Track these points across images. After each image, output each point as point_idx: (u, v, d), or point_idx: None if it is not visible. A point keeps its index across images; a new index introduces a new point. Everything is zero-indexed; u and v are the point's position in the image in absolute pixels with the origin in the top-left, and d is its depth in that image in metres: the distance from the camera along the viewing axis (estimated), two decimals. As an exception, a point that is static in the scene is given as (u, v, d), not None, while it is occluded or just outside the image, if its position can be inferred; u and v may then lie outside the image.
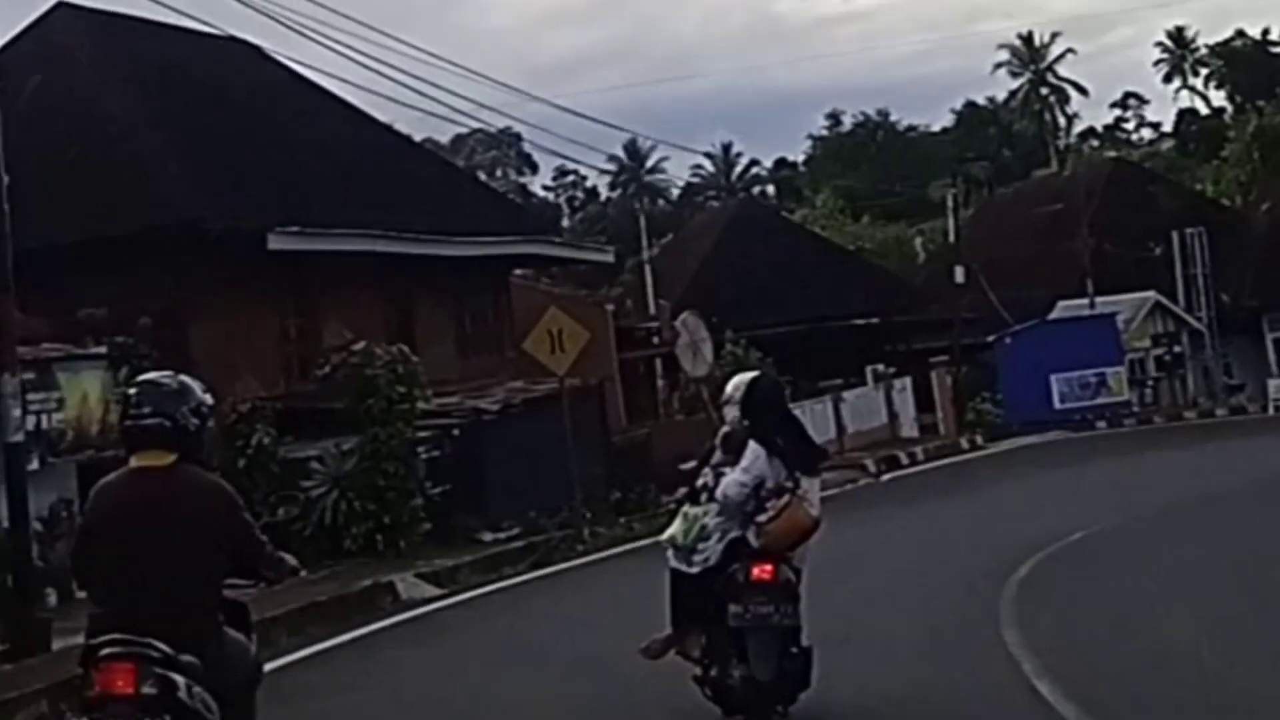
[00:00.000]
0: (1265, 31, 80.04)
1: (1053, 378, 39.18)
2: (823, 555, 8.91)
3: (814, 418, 33.40)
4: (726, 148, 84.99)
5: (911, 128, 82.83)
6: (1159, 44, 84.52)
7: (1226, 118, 75.14)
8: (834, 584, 11.33)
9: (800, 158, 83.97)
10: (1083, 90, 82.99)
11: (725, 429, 8.41)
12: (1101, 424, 38.86)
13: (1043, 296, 44.31)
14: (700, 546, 8.08)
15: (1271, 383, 40.52)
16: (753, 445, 8.02)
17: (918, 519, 21.23)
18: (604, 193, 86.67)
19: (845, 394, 35.01)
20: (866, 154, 79.51)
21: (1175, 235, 44.30)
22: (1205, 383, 43.05)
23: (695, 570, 8.12)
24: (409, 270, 24.76)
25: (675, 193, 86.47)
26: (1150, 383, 41.46)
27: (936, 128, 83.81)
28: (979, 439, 35.94)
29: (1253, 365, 44.36)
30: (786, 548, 7.97)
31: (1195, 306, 43.81)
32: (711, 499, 8.14)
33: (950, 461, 32.77)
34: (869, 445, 34.66)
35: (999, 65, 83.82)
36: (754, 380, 8.38)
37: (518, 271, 30.61)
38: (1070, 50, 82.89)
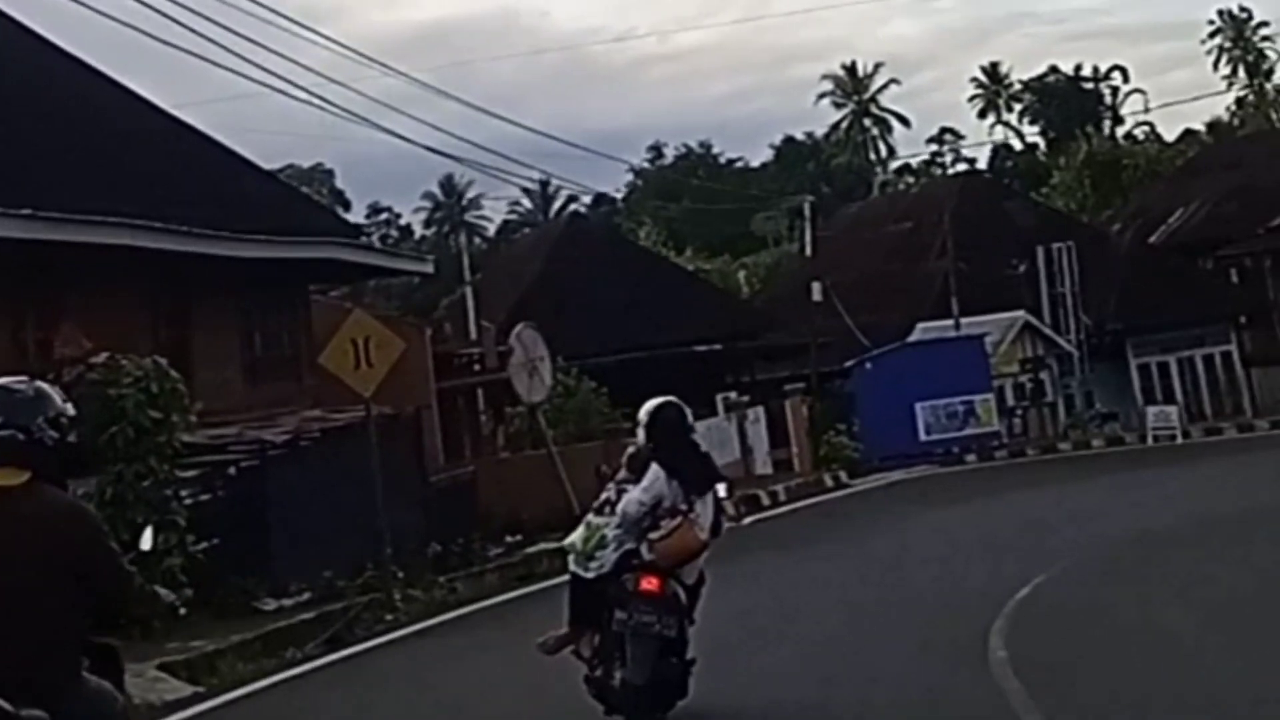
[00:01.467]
0: (1078, 67, 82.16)
1: (918, 406, 36.24)
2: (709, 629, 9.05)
3: (661, 453, 29.90)
4: (544, 184, 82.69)
5: (733, 160, 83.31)
6: (974, 80, 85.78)
7: (1039, 153, 76.00)
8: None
9: (621, 193, 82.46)
10: (905, 121, 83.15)
11: (630, 449, 9.20)
12: (971, 457, 35.97)
13: (899, 320, 41.59)
14: (597, 554, 8.77)
15: (1150, 410, 38.12)
16: (654, 467, 8.61)
17: (803, 576, 17.55)
18: (419, 231, 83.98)
19: (695, 425, 31.35)
20: (688, 187, 78.94)
21: (1041, 250, 41.82)
22: (1075, 411, 40.49)
23: (591, 575, 8.82)
24: (185, 277, 20.50)
25: (492, 230, 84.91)
26: (1019, 412, 38.72)
27: (756, 163, 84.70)
28: (842, 476, 32.68)
29: (1116, 392, 42.07)
30: (675, 564, 8.58)
31: (1064, 328, 41.29)
32: (614, 512, 8.76)
33: (817, 501, 29.48)
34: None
35: (822, 95, 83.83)
36: (659, 406, 8.94)
37: (332, 294, 26.46)
38: (894, 81, 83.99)
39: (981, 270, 42.24)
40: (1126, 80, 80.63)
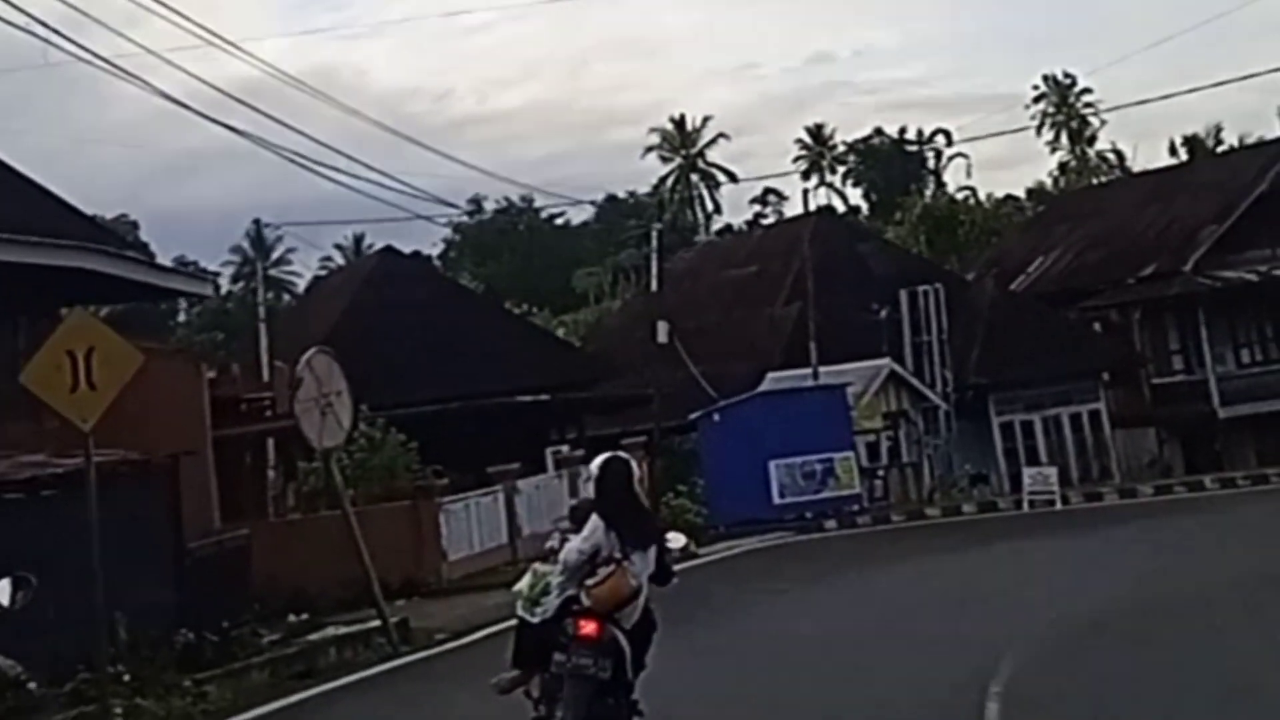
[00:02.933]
0: (902, 130, 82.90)
1: (772, 465, 32.76)
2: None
3: (480, 514, 26.04)
4: (359, 239, 79.59)
5: (554, 216, 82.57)
6: (798, 141, 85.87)
7: (862, 216, 77.06)
8: None
9: (438, 248, 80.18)
10: (732, 176, 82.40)
11: (574, 502, 11.25)
12: (831, 523, 32.58)
13: (746, 370, 38.32)
14: (542, 600, 9.51)
15: (1027, 472, 35.23)
16: (594, 517, 9.21)
17: (671, 675, 13.70)
18: (226, 285, 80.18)
19: (521, 483, 27.59)
20: (509, 242, 79.18)
21: (904, 294, 38.85)
22: (942, 473, 37.44)
23: (536, 620, 9.61)
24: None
25: (302, 286, 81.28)
26: (880, 472, 35.51)
27: (578, 221, 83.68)
28: (693, 546, 28.95)
29: (977, 452, 39.21)
30: (610, 609, 9.01)
31: (929, 379, 38.30)
32: (557, 560, 9.44)
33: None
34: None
35: (650, 149, 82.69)
36: (607, 460, 9.50)
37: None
38: (723, 135, 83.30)
39: (837, 316, 39.21)
40: (950, 144, 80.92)
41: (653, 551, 9.36)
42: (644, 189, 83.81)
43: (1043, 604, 17.17)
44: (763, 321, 43.98)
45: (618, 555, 9.10)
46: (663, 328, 33.56)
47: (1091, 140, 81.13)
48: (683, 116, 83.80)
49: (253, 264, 78.60)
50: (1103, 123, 79.74)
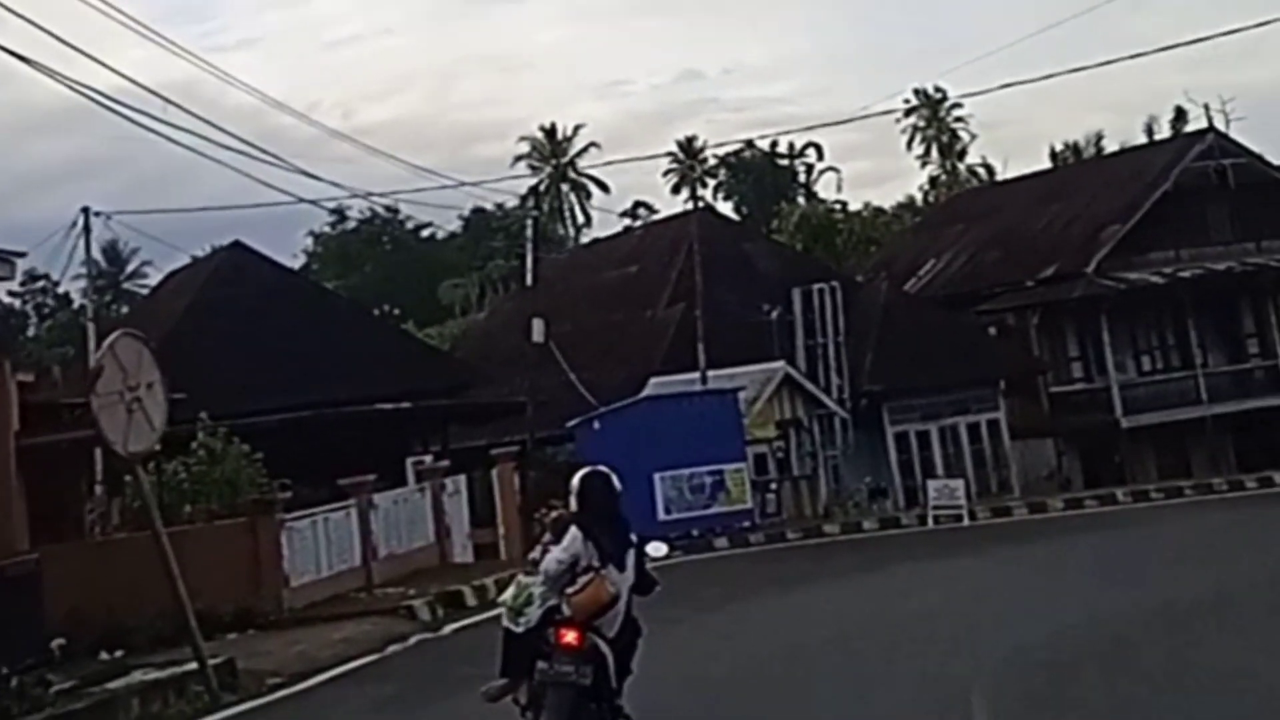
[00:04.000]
0: (773, 144, 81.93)
1: (657, 478, 30.05)
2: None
3: (329, 532, 23.10)
4: (215, 251, 76.28)
5: (421, 227, 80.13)
6: (669, 154, 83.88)
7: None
8: None
9: (299, 261, 77.34)
10: (603, 186, 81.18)
11: (554, 514, 10.32)
12: (722, 541, 29.95)
13: (627, 376, 35.75)
14: (526, 610, 9.74)
15: (932, 485, 32.90)
16: (572, 529, 9.40)
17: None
18: (78, 300, 76.25)
19: (378, 497, 24.60)
20: (374, 253, 77.38)
21: (798, 293, 36.40)
22: (838, 485, 34.99)
23: (520, 630, 9.81)
24: None
25: None
26: (774, 486, 32.95)
27: (444, 234, 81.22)
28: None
29: (870, 464, 36.87)
30: (590, 617, 9.21)
31: (824, 385, 35.86)
32: (539, 571, 9.62)
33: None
34: (412, 575, 24.48)
35: (519, 158, 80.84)
36: (587, 475, 9.68)
37: None
38: (594, 144, 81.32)
39: (723, 318, 36.73)
40: (821, 158, 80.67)
41: (631, 561, 9.57)
42: (513, 202, 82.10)
43: (991, 635, 14.71)
44: (643, 324, 41.43)
45: (596, 565, 9.30)
46: (538, 325, 30.83)
47: (962, 154, 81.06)
48: (553, 125, 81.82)
49: (108, 277, 75.17)
50: (973, 136, 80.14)
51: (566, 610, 9.33)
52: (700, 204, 40.31)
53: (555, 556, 9.43)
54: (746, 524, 30.85)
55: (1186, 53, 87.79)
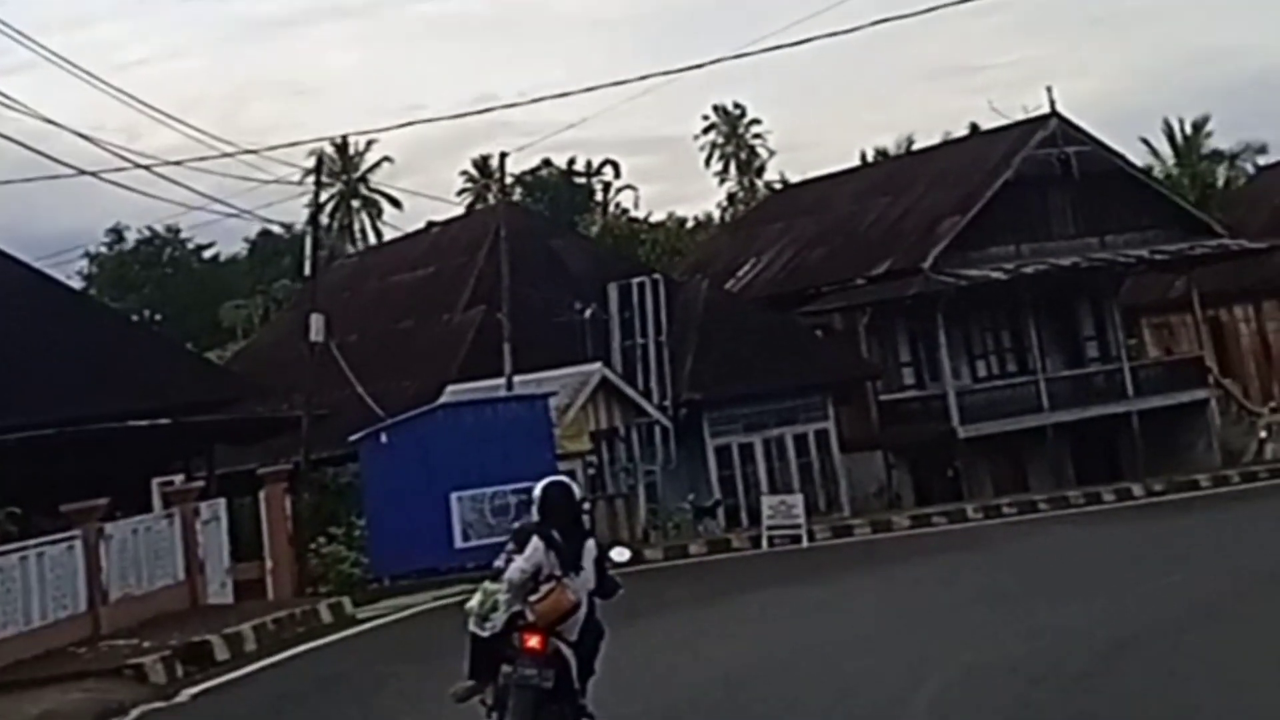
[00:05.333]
0: (570, 161, 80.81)
1: (454, 498, 25.87)
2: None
3: (43, 571, 18.48)
4: None
5: (203, 247, 76.69)
6: (464, 173, 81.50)
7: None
8: None
9: (75, 284, 72.07)
10: (396, 203, 76.61)
11: (517, 524, 10.82)
12: (529, 570, 25.81)
13: (420, 386, 31.63)
14: (491, 616, 9.84)
15: (766, 502, 29.32)
16: (534, 539, 9.66)
17: None
18: None
19: (110, 527, 20.03)
20: (154, 275, 73.92)
21: (614, 288, 32.54)
22: (657, 504, 31.16)
23: (486, 635, 9.85)
24: None
25: None
26: (588, 505, 28.87)
27: (227, 256, 78.46)
28: (347, 605, 21.87)
29: (689, 480, 33.19)
30: (552, 623, 9.54)
31: (645, 391, 32.02)
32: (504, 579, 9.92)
33: (310, 650, 18.63)
34: (152, 620, 20.01)
35: (308, 173, 75.82)
36: (547, 486, 9.97)
37: None
38: (387, 159, 77.39)
39: (529, 321, 32.80)
40: (618, 175, 79.18)
41: (591, 568, 9.84)
42: (302, 224, 77.95)
43: (882, 684, 10.98)
44: (440, 330, 37.27)
45: (557, 573, 9.61)
46: (316, 322, 26.48)
47: (760, 170, 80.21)
48: (345, 140, 77.00)
49: None
50: (771, 153, 79.41)
51: (530, 616, 9.64)
52: (505, 197, 36.35)
53: (519, 566, 9.67)
54: (557, 550, 26.78)
55: (981, 75, 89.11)
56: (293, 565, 24.84)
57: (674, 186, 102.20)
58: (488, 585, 10.06)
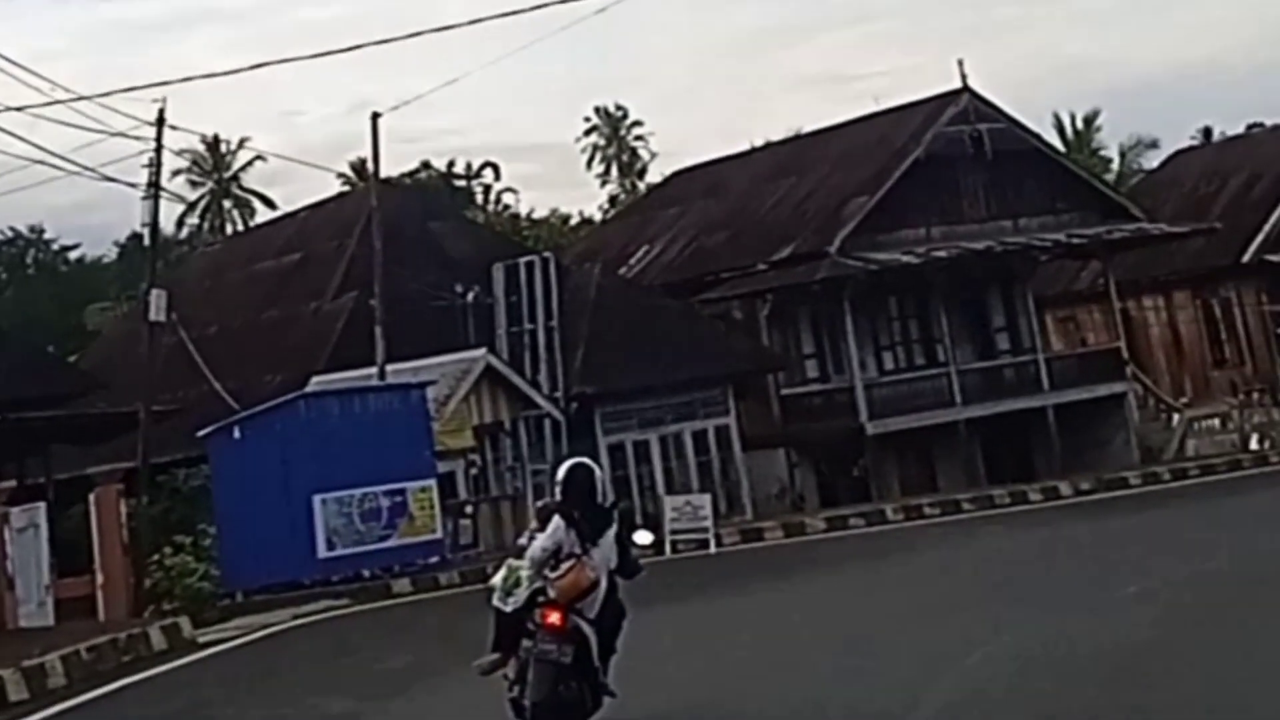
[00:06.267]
0: (450, 163, 78.00)
1: (317, 501, 22.48)
2: None
3: None
4: None
5: (69, 248, 72.06)
6: (341, 176, 78.47)
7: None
8: None
9: None
10: (270, 203, 72.87)
11: (540, 504, 10.59)
12: (403, 583, 22.59)
13: (285, 379, 28.34)
14: (514, 592, 9.95)
15: (670, 503, 26.26)
16: (555, 518, 9.78)
17: None
18: None
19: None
20: (16, 277, 70.42)
21: (500, 269, 29.31)
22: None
23: (509, 610, 9.95)
24: None
25: None
26: (470, 509, 25.67)
27: (94, 258, 73.21)
28: (185, 626, 18.43)
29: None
30: (572, 599, 9.62)
31: (534, 381, 28.79)
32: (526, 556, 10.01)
33: (137, 682, 15.29)
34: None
35: (178, 172, 72.56)
36: (572, 467, 10.06)
37: None
38: (259, 157, 72.72)
39: (407, 308, 29.56)
40: (499, 178, 75.92)
41: (613, 548, 9.93)
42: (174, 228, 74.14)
43: None
44: (308, 319, 33.88)
45: (577, 551, 9.67)
46: (157, 299, 22.94)
47: (642, 173, 77.97)
48: (216, 137, 72.91)
49: None
50: (653, 155, 77.04)
51: (551, 593, 9.70)
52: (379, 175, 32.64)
53: (540, 544, 9.75)
54: (435, 559, 23.52)
55: (855, 85, 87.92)
56: (128, 580, 21.29)
57: (556, 193, 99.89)
58: (511, 562, 10.24)
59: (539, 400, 27.69)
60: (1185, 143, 55.67)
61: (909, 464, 35.83)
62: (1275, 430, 36.08)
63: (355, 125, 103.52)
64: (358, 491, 22.74)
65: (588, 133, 78.46)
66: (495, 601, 10.17)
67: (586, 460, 10.19)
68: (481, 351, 26.67)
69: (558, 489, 9.98)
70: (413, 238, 34.39)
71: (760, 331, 35.53)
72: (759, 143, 46.93)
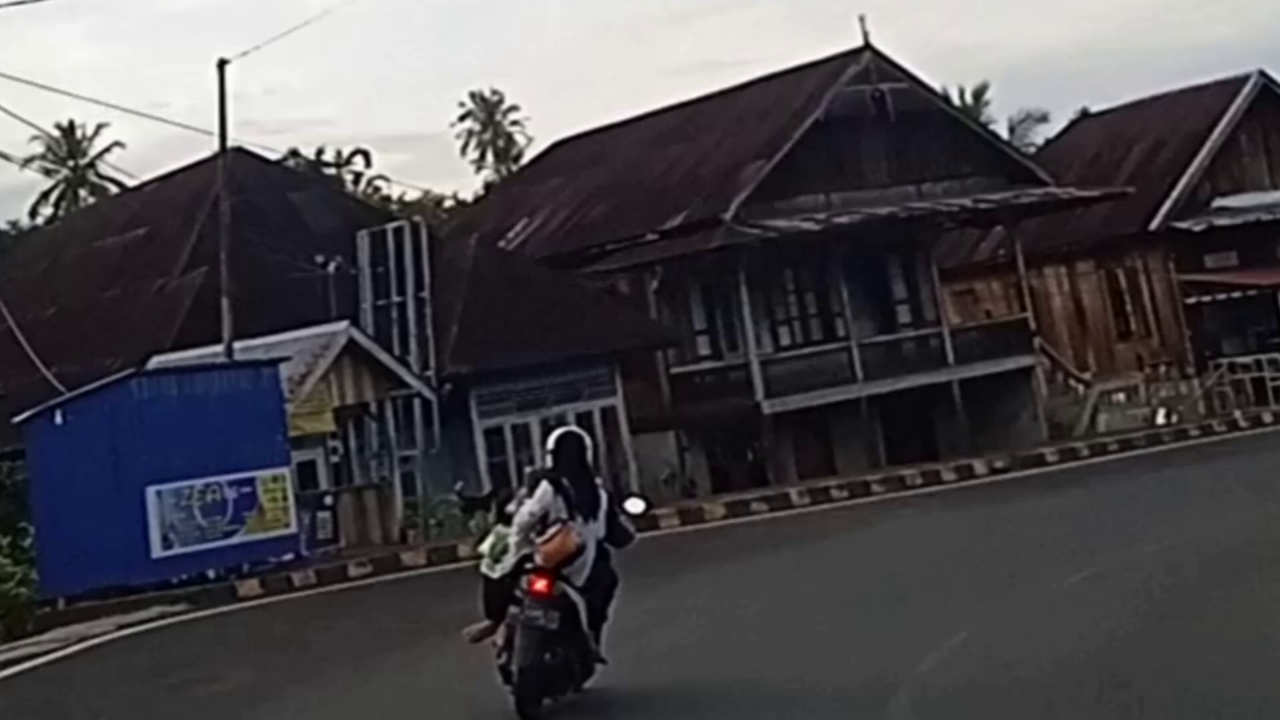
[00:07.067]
0: (319, 151, 74.80)
1: (151, 493, 19.58)
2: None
3: None
4: None
5: None
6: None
7: None
8: None
9: None
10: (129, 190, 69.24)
11: (529, 470, 11.42)
12: (251, 584, 19.79)
13: (128, 360, 25.25)
14: (502, 558, 10.04)
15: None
16: (543, 484, 9.89)
17: None
18: None
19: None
20: None
21: (365, 236, 26.52)
22: (419, 496, 25.21)
23: (496, 576, 10.08)
24: None
25: None
26: (330, 500, 22.84)
27: None
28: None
29: (454, 467, 27.34)
30: (558, 565, 9.64)
31: (402, 358, 26.00)
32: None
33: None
34: None
35: (29, 160, 68.48)
36: (562, 436, 10.18)
37: None
38: (118, 144, 68.91)
39: (263, 283, 26.76)
40: (369, 165, 73.53)
41: (601, 515, 9.98)
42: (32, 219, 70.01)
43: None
44: (152, 298, 30.97)
45: (564, 517, 9.72)
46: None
47: (518, 159, 75.07)
48: (71, 123, 68.82)
49: None
50: (530, 140, 74.47)
51: (537, 558, 9.70)
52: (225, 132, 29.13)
53: (528, 509, 9.81)
54: (289, 556, 20.69)
55: (726, 71, 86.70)
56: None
57: (432, 183, 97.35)
58: (499, 529, 10.29)
59: (408, 379, 24.86)
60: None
61: (807, 445, 33.59)
62: (1183, 404, 34.44)
63: (210, 117, 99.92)
64: (199, 482, 19.83)
65: (462, 118, 76.33)
66: (483, 568, 10.36)
67: (577, 429, 10.35)
68: (343, 325, 23.79)
69: (548, 457, 10.12)
70: (271, 208, 31.55)
71: (649, 306, 33.01)
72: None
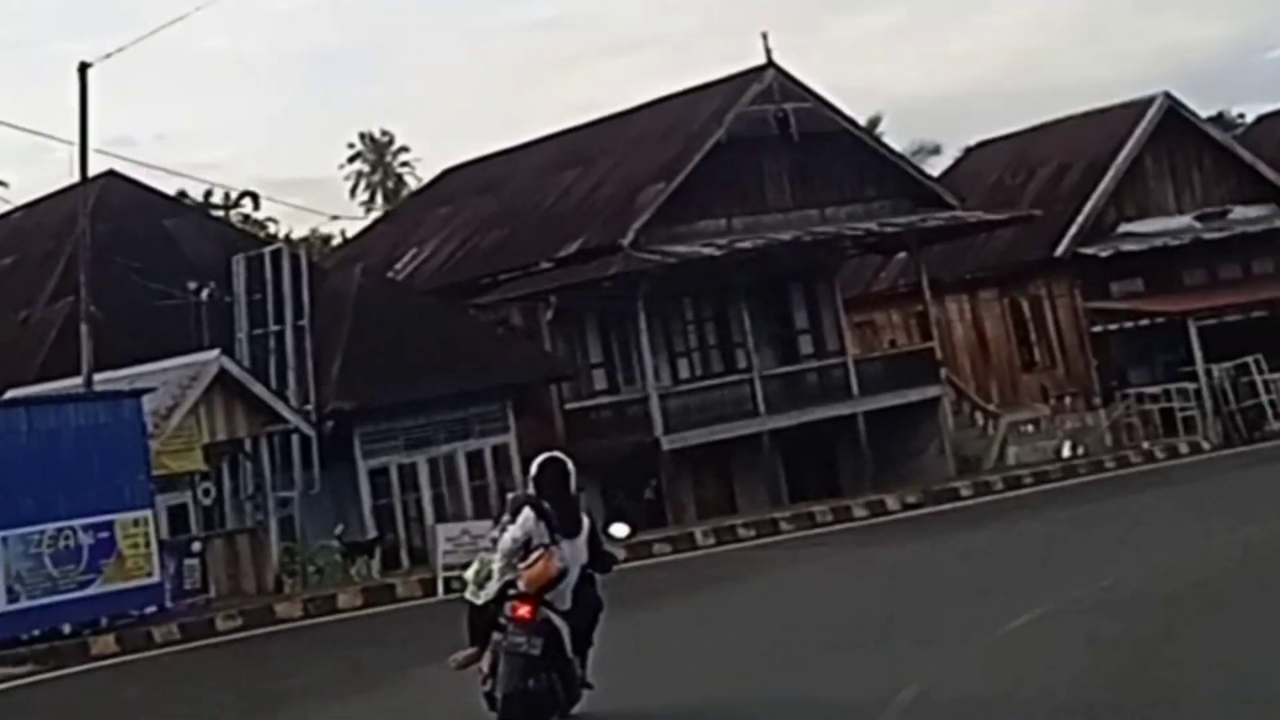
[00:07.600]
0: (208, 193, 70.03)
1: (-3, 540, 17.67)
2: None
3: None
4: None
5: None
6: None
7: None
8: None
9: None
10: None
11: (512, 495, 10.69)
12: (108, 642, 17.88)
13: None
14: (485, 584, 9.96)
15: (443, 532, 21.86)
16: (526, 509, 9.84)
17: None
18: None
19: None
20: None
21: (240, 261, 24.73)
22: (296, 542, 23.37)
23: (480, 602, 10.01)
24: None
25: None
26: (196, 547, 20.93)
27: None
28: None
29: (334, 511, 25.56)
30: (541, 590, 9.59)
31: (279, 391, 24.19)
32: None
33: None
34: None
35: None
36: (545, 461, 10.16)
37: None
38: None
39: (136, 313, 24.93)
40: (258, 207, 71.04)
41: (582, 541, 9.96)
42: None
43: None
44: (14, 330, 28.93)
45: (546, 542, 9.66)
46: None
47: None
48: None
49: None
50: (420, 181, 71.89)
51: (520, 584, 9.64)
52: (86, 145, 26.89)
53: (510, 534, 9.78)
54: (152, 609, 18.83)
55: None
56: None
57: (321, 225, 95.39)
58: (483, 555, 10.33)
59: (285, 413, 23.01)
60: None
61: (706, 482, 32.19)
62: (1089, 436, 33.53)
63: (112, 161, 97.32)
64: (50, 526, 17.93)
65: (352, 159, 75.04)
66: (467, 595, 10.29)
67: (560, 454, 10.26)
68: (214, 354, 21.95)
69: (530, 483, 10.12)
70: (144, 238, 29.66)
71: (543, 338, 31.48)
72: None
